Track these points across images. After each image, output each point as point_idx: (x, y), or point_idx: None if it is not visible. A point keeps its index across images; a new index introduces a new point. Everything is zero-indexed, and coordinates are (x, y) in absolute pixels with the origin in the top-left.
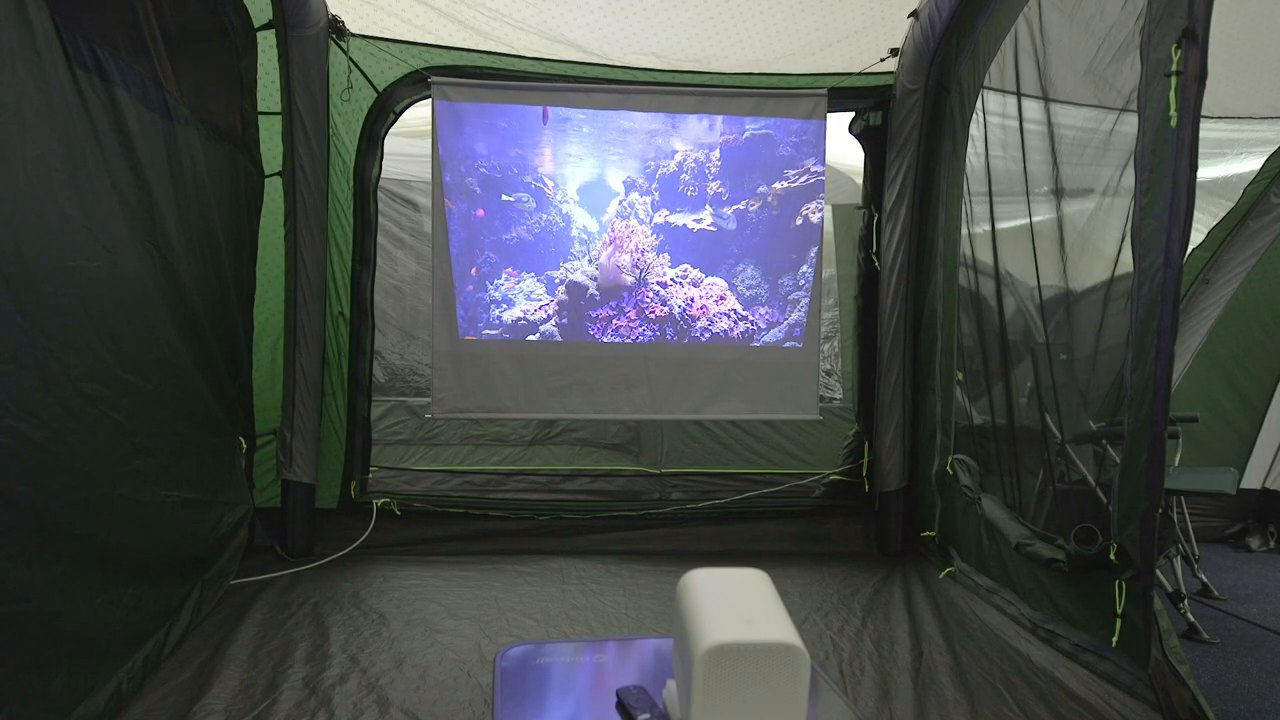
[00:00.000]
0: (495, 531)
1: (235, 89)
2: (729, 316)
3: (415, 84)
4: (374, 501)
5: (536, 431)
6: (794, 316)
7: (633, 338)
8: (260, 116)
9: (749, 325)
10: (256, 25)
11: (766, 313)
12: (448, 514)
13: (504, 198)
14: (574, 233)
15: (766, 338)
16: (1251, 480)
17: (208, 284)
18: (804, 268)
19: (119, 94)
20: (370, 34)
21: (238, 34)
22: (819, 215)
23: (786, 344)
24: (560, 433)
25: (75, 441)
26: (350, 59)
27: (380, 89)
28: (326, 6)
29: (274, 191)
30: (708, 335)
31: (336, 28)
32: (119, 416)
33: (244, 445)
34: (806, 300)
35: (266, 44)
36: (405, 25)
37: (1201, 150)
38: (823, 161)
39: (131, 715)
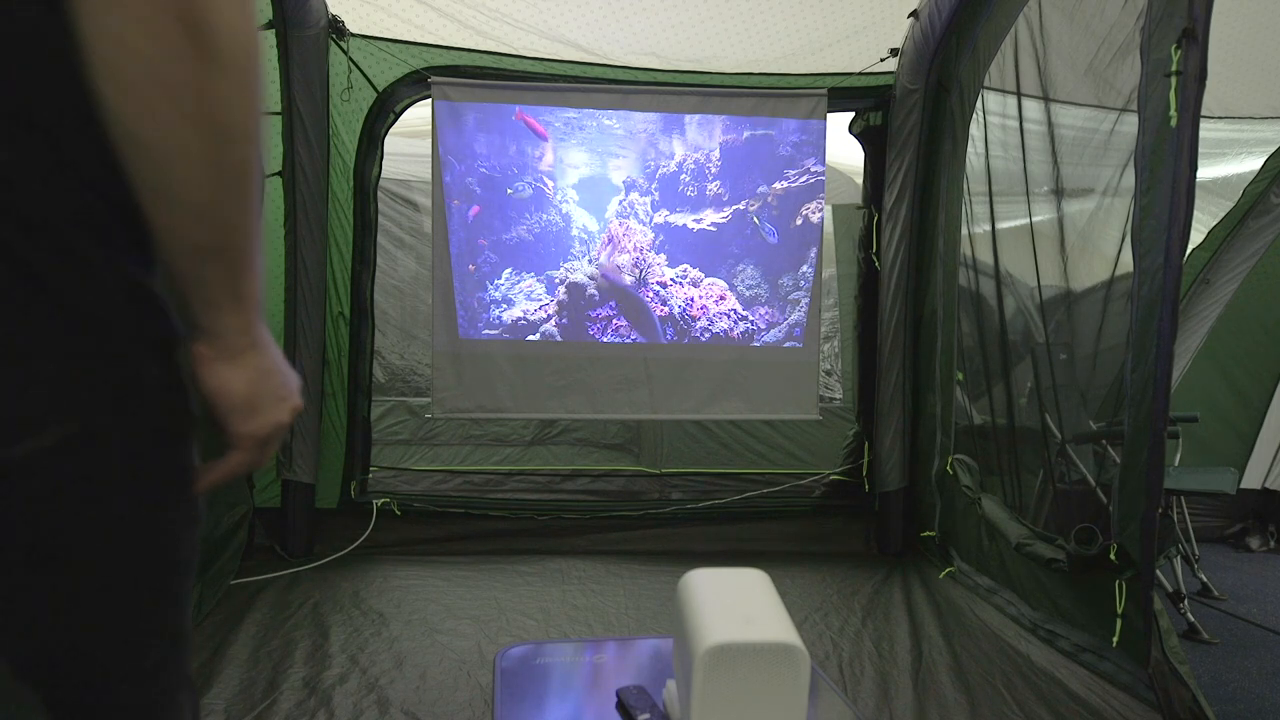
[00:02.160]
0: (495, 531)
1: None
2: (729, 316)
3: (415, 84)
4: (374, 501)
5: (536, 431)
6: (794, 316)
7: (632, 338)
8: None
9: (749, 325)
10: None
11: (766, 313)
12: (448, 514)
13: (507, 191)
14: (574, 232)
15: (766, 338)
16: (1251, 480)
17: None
18: (804, 267)
19: None
20: (370, 34)
21: None
22: (819, 215)
23: (786, 344)
24: (560, 433)
25: None
26: (350, 59)
27: (380, 89)
28: (326, 6)
29: (274, 191)
30: (708, 335)
31: (336, 28)
32: None
33: None
34: (806, 300)
35: (266, 44)
36: (405, 25)
37: (1201, 150)
38: (823, 161)
39: None
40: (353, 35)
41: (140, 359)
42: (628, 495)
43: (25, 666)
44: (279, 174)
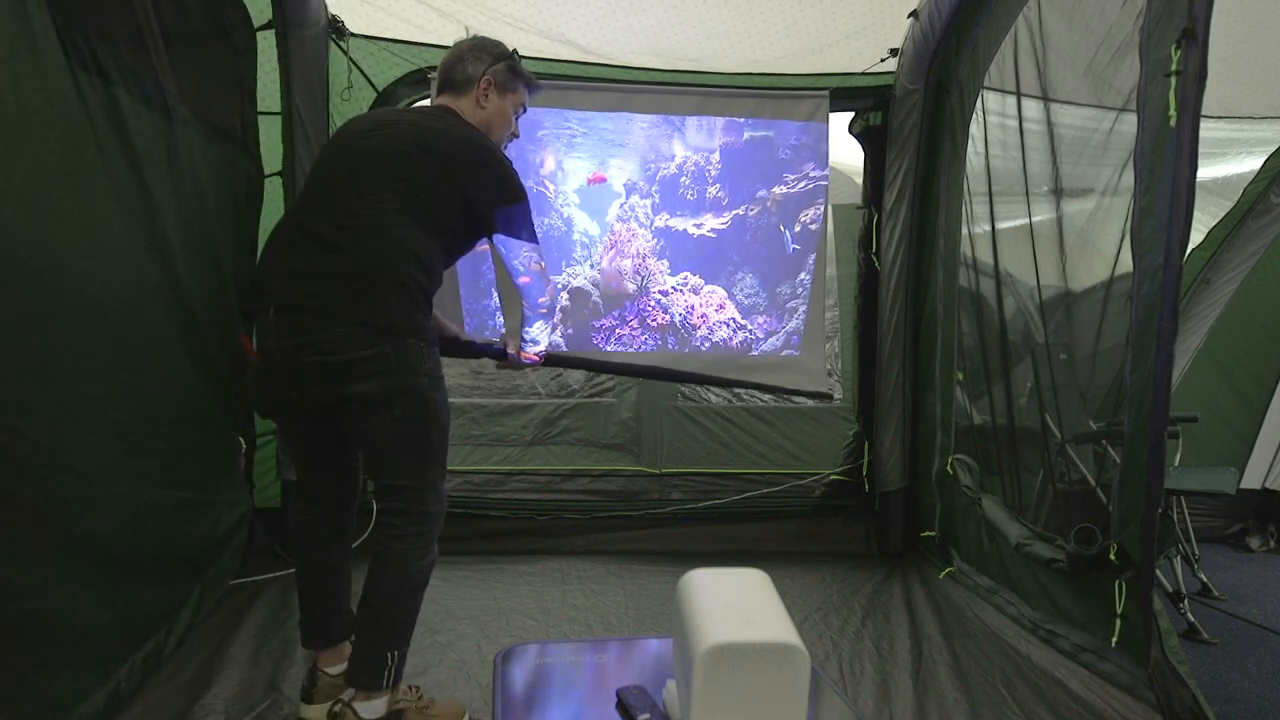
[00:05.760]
0: (495, 531)
1: (235, 89)
2: (728, 325)
3: (415, 83)
4: (374, 501)
5: (536, 431)
6: (791, 324)
7: (635, 347)
8: (260, 116)
9: (748, 334)
10: (256, 25)
11: (765, 321)
12: (448, 514)
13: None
14: (575, 236)
15: (764, 346)
16: (1251, 480)
17: (207, 284)
18: (802, 275)
19: (118, 93)
20: (370, 34)
21: (237, 34)
22: (817, 223)
23: (784, 352)
24: (560, 433)
25: (74, 441)
26: (350, 59)
27: (380, 89)
28: (326, 6)
29: (274, 191)
30: (708, 344)
31: (336, 28)
32: (118, 416)
33: (244, 445)
34: (804, 307)
35: (266, 44)
36: (405, 25)
37: (1201, 150)
38: (823, 166)
39: (132, 715)
40: (353, 35)
41: (426, 330)
42: (628, 495)
43: (371, 460)
44: (279, 174)
